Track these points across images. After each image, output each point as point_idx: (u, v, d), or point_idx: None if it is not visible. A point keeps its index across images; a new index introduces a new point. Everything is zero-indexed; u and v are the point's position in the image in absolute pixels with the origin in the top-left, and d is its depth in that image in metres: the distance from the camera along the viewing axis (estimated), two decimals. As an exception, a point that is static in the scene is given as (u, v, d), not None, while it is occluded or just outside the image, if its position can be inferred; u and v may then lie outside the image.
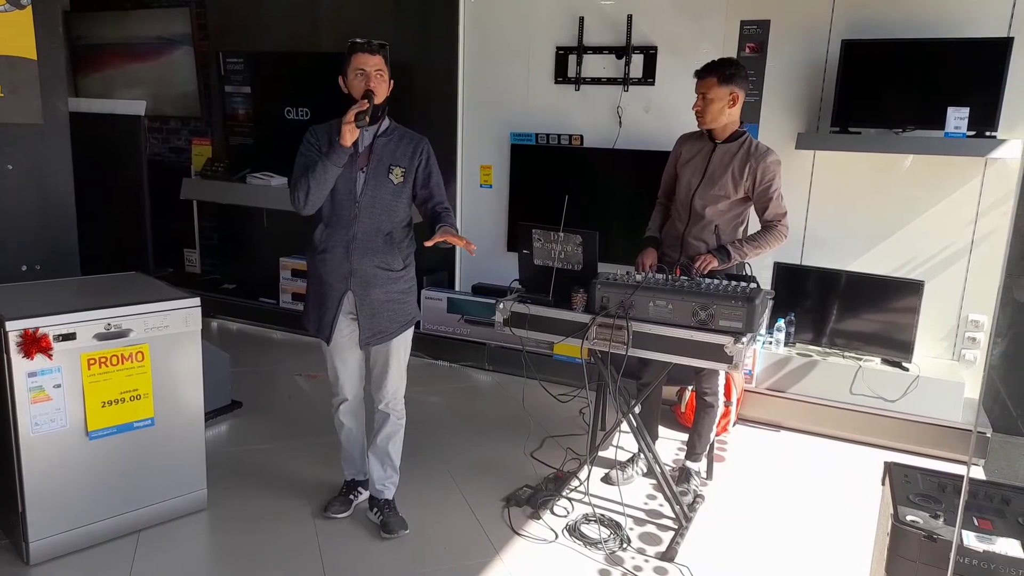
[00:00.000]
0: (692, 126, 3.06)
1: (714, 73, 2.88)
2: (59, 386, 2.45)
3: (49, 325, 2.40)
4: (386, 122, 2.64)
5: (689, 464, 3.25)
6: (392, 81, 2.61)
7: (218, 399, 3.73)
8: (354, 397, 2.82)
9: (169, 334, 2.68)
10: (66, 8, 6.22)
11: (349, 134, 2.43)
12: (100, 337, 2.52)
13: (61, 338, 2.43)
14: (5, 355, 2.35)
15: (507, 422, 3.68)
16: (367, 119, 2.45)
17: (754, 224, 3.08)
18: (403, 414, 2.82)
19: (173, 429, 2.75)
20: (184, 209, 5.88)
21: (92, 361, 2.51)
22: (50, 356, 2.41)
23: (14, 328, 2.34)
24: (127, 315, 2.58)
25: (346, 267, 2.60)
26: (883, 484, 2.05)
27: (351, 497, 2.96)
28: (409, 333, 2.76)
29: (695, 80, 2.94)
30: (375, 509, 2.85)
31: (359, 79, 2.51)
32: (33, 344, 2.37)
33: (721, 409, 3.24)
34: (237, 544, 2.73)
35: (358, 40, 2.52)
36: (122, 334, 2.57)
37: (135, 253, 3.57)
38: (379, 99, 2.51)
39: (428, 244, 2.52)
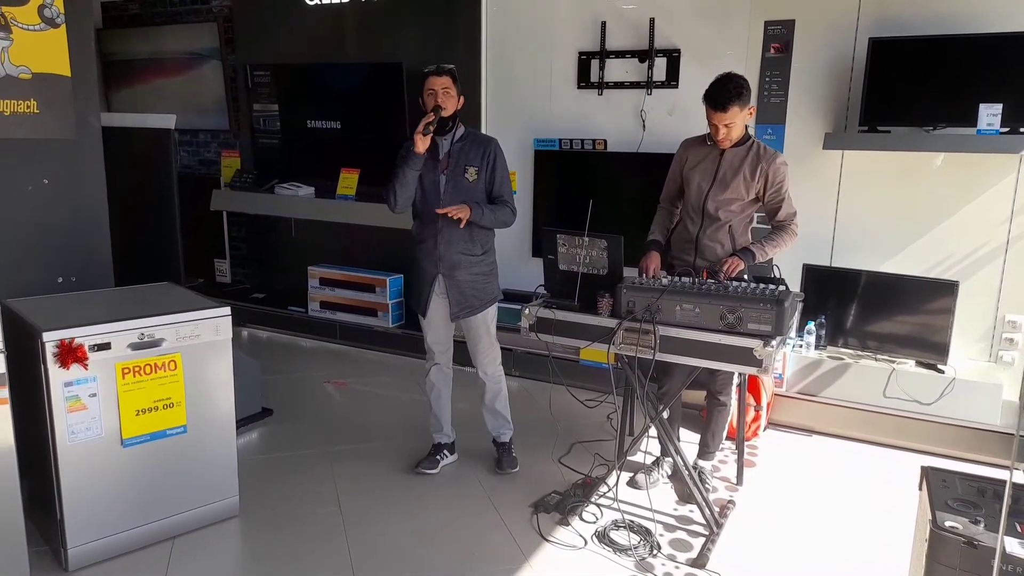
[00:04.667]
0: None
1: (735, 102, 2.83)
2: (94, 395, 2.50)
3: (84, 335, 2.45)
4: (460, 130, 3.13)
5: (701, 463, 3.25)
6: (463, 97, 3.10)
7: (249, 407, 3.77)
8: (444, 362, 3.33)
9: (200, 343, 2.72)
10: (99, 25, 6.37)
11: (420, 142, 2.94)
12: (134, 347, 2.57)
13: (96, 348, 2.48)
14: (43, 365, 2.40)
15: (535, 428, 3.68)
16: (432, 128, 2.95)
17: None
18: (500, 378, 3.33)
19: (205, 436, 2.79)
20: (214, 220, 5.97)
21: (126, 370, 2.56)
22: (85, 366, 2.46)
23: (51, 339, 2.39)
24: (160, 324, 2.62)
25: (436, 254, 3.11)
26: (920, 489, 2.00)
27: (438, 458, 3.37)
28: (493, 310, 3.25)
29: (709, 110, 2.88)
30: (495, 448, 3.41)
31: (429, 97, 3.04)
32: (69, 354, 2.42)
33: (733, 409, 3.22)
34: (269, 550, 2.76)
35: (429, 67, 3.07)
36: (155, 343, 2.61)
37: (166, 264, 3.62)
38: (447, 112, 3.02)
39: (439, 211, 3.01)
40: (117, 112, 6.06)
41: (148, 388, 2.61)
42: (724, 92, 2.84)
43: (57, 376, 2.42)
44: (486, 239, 3.19)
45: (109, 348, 2.51)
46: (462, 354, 3.37)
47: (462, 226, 3.04)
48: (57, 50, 3.02)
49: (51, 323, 2.44)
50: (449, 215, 2.98)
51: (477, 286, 3.17)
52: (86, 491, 2.53)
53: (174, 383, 2.67)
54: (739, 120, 2.88)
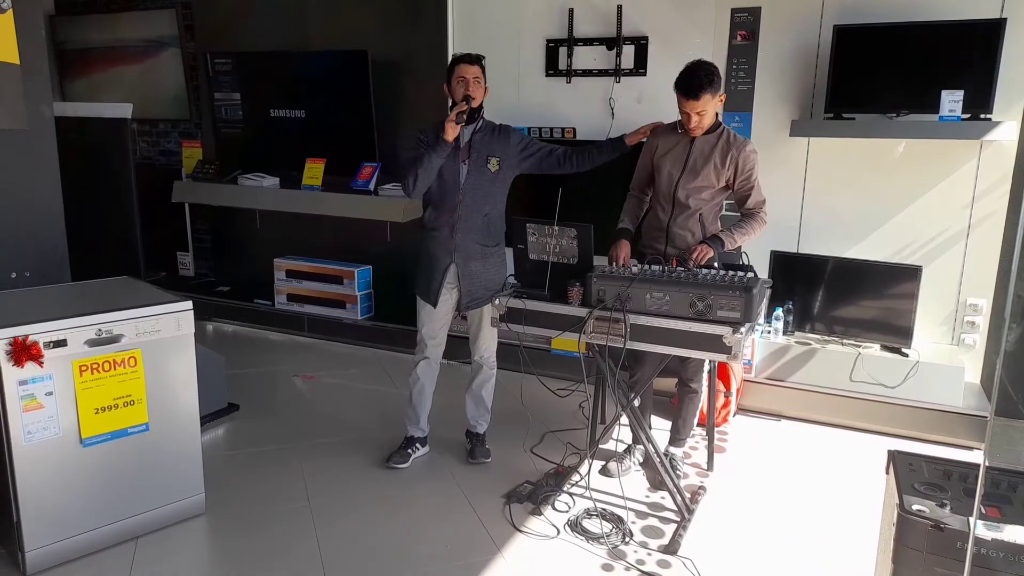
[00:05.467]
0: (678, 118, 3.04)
1: (707, 90, 2.83)
2: (51, 393, 2.42)
3: (39, 332, 2.37)
4: (480, 121, 3.12)
5: (672, 449, 3.27)
6: (488, 89, 3.11)
7: (214, 402, 3.70)
8: (435, 357, 3.29)
9: (161, 338, 2.65)
10: (50, 12, 6.15)
11: (451, 130, 2.93)
12: (91, 343, 2.49)
13: (52, 345, 2.39)
14: (-5, 364, 2.31)
15: (506, 418, 3.66)
16: (464, 118, 2.95)
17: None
18: (494, 365, 3.34)
19: (168, 434, 2.72)
20: (176, 212, 5.84)
21: (84, 367, 2.48)
22: (41, 363, 2.37)
23: (3, 336, 2.30)
24: (118, 320, 2.54)
25: (451, 243, 3.10)
26: (887, 473, 2.03)
27: (410, 451, 3.32)
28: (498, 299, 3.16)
29: (681, 98, 2.87)
30: (468, 439, 3.39)
31: (460, 85, 3.03)
32: (23, 352, 2.33)
33: (703, 396, 3.25)
34: (236, 547, 2.71)
35: (460, 53, 3.09)
36: (114, 339, 2.53)
37: (126, 257, 3.53)
38: (476, 102, 3.02)
39: (633, 141, 3.23)
40: (71, 102, 5.88)
41: (107, 385, 2.54)
42: (696, 80, 2.83)
43: (11, 375, 2.33)
44: (500, 231, 3.19)
45: (65, 345, 2.43)
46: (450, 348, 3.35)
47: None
48: (4, 37, 2.89)
49: (3, 320, 2.34)
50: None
51: (488, 276, 3.17)
52: (44, 492, 2.45)
53: (134, 380, 2.60)
54: (710, 108, 2.88)
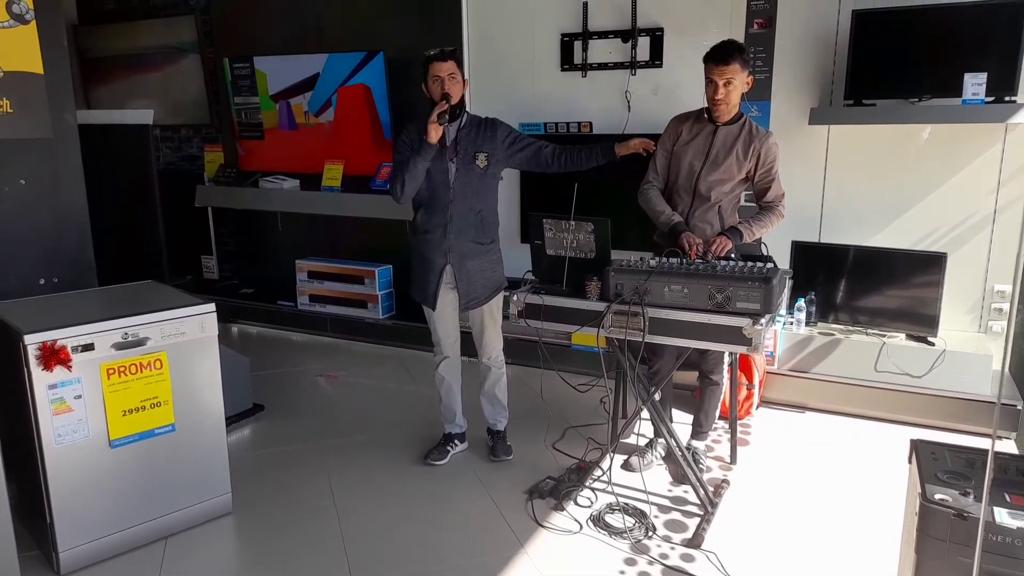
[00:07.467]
0: (700, 107, 3.02)
1: (737, 58, 2.81)
2: (80, 397, 2.47)
3: (67, 337, 2.42)
4: (464, 116, 3.03)
5: (695, 443, 3.26)
6: (467, 81, 3.02)
7: (240, 403, 3.76)
8: (453, 355, 3.29)
9: (186, 340, 2.70)
10: (73, 22, 6.27)
11: (434, 132, 2.85)
12: (118, 347, 2.54)
13: (80, 349, 2.45)
14: (25, 368, 2.37)
15: (527, 414, 3.67)
16: (447, 118, 2.87)
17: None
18: (503, 364, 3.30)
19: (194, 434, 2.77)
20: (200, 216, 5.92)
21: (111, 371, 2.53)
22: (69, 368, 2.43)
23: (32, 341, 2.36)
24: (143, 323, 2.59)
25: (445, 244, 3.04)
26: (910, 462, 2.00)
27: (448, 448, 3.33)
28: (499, 298, 3.20)
29: (711, 66, 2.84)
30: (489, 436, 3.39)
31: (436, 84, 2.92)
32: (52, 356, 2.39)
33: (725, 387, 3.23)
34: (263, 546, 2.75)
35: (431, 51, 2.94)
36: (139, 343, 2.58)
37: (150, 261, 3.60)
38: (455, 99, 2.92)
39: (622, 153, 3.07)
40: (94, 110, 5.98)
41: (134, 388, 2.59)
42: (727, 47, 2.83)
43: (41, 379, 2.39)
44: (494, 228, 3.15)
45: (93, 349, 2.48)
46: (465, 344, 3.36)
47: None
48: (28, 47, 2.96)
49: (33, 325, 2.40)
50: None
51: (485, 275, 3.13)
52: (75, 494, 2.51)
53: (160, 382, 2.65)
54: (738, 81, 2.84)
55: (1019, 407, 3.39)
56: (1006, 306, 3.70)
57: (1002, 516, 1.67)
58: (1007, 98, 3.41)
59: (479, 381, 3.34)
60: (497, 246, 3.18)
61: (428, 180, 2.99)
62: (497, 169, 3.10)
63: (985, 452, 1.94)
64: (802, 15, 3.90)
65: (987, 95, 3.41)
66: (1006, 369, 3.54)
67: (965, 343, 3.65)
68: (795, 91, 3.98)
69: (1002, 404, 3.39)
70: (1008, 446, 3.33)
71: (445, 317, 3.19)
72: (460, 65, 2.97)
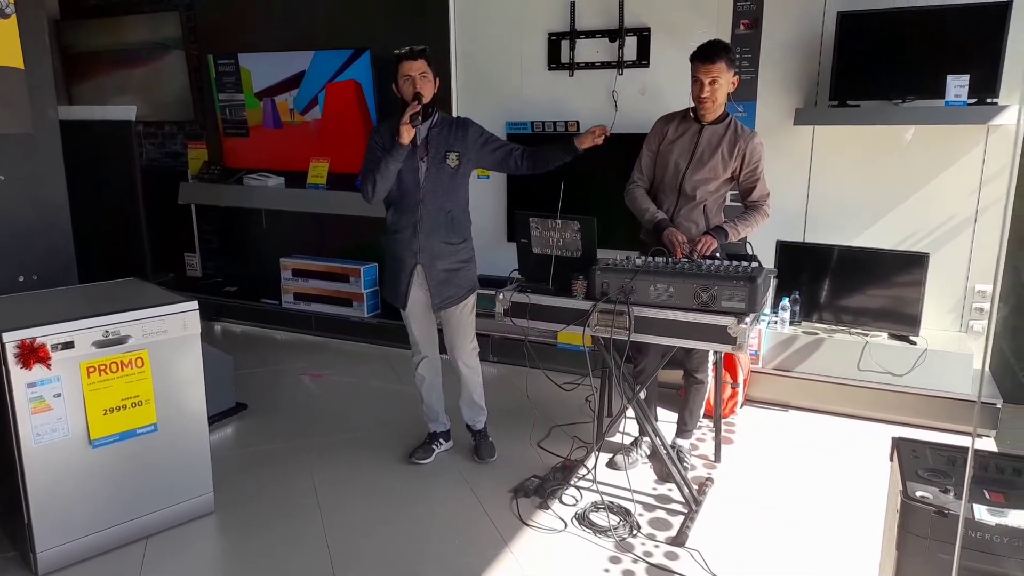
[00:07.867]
0: (686, 107, 3.02)
1: (723, 57, 2.82)
2: (59, 395, 2.44)
3: (46, 335, 2.39)
4: (435, 115, 2.99)
5: (679, 441, 3.27)
6: (438, 80, 2.96)
7: (223, 402, 3.73)
8: (431, 355, 3.25)
9: (168, 339, 2.67)
10: (55, 17, 6.20)
11: (406, 133, 2.82)
12: (98, 344, 2.51)
13: (59, 347, 2.42)
14: (3, 366, 2.34)
15: (513, 413, 3.67)
16: (420, 118, 2.83)
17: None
18: (478, 368, 3.27)
19: (177, 434, 2.74)
20: (183, 214, 5.87)
21: (91, 369, 2.50)
22: (48, 366, 2.40)
23: (11, 339, 2.33)
24: (124, 321, 2.56)
25: (415, 244, 3.00)
26: (891, 460, 2.01)
27: (433, 447, 3.33)
28: (472, 299, 3.17)
29: (698, 64, 2.85)
30: (472, 436, 3.38)
31: (407, 84, 2.88)
32: (31, 354, 2.36)
33: (710, 386, 3.24)
34: (246, 546, 2.73)
35: (400, 50, 2.90)
36: (120, 340, 2.55)
37: (132, 259, 3.56)
38: (427, 99, 2.88)
39: (583, 145, 2.98)
40: (76, 106, 5.91)
41: (115, 386, 2.56)
42: (713, 46, 2.84)
43: (19, 377, 2.35)
44: (465, 227, 3.11)
45: (73, 347, 2.45)
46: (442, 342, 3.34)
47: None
48: (9, 42, 2.92)
49: (11, 323, 2.37)
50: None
51: (457, 276, 3.09)
52: (54, 493, 2.48)
53: (142, 380, 2.62)
54: (723, 80, 2.86)
55: (999, 406, 3.43)
56: (987, 306, 3.74)
57: (981, 513, 1.68)
58: (989, 100, 3.45)
59: (457, 385, 3.31)
60: (469, 245, 3.14)
61: (398, 179, 2.95)
62: (468, 169, 3.07)
63: (965, 450, 1.95)
64: (788, 16, 3.92)
65: (969, 97, 3.45)
66: (986, 368, 3.57)
67: (947, 342, 3.69)
68: (780, 92, 4.00)
69: (982, 403, 3.44)
70: (988, 444, 3.37)
71: (418, 317, 3.16)
72: (430, 64, 2.92)
